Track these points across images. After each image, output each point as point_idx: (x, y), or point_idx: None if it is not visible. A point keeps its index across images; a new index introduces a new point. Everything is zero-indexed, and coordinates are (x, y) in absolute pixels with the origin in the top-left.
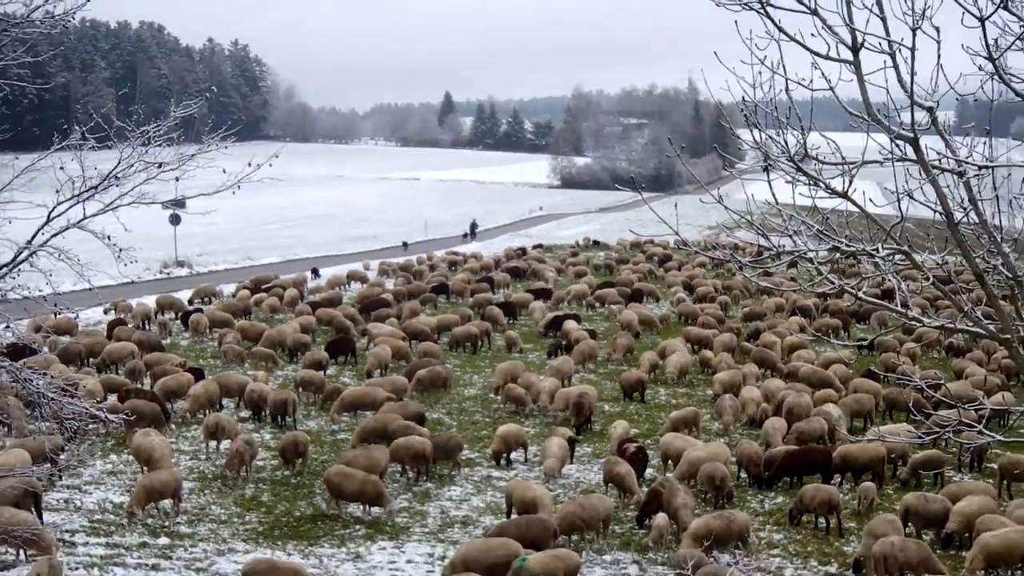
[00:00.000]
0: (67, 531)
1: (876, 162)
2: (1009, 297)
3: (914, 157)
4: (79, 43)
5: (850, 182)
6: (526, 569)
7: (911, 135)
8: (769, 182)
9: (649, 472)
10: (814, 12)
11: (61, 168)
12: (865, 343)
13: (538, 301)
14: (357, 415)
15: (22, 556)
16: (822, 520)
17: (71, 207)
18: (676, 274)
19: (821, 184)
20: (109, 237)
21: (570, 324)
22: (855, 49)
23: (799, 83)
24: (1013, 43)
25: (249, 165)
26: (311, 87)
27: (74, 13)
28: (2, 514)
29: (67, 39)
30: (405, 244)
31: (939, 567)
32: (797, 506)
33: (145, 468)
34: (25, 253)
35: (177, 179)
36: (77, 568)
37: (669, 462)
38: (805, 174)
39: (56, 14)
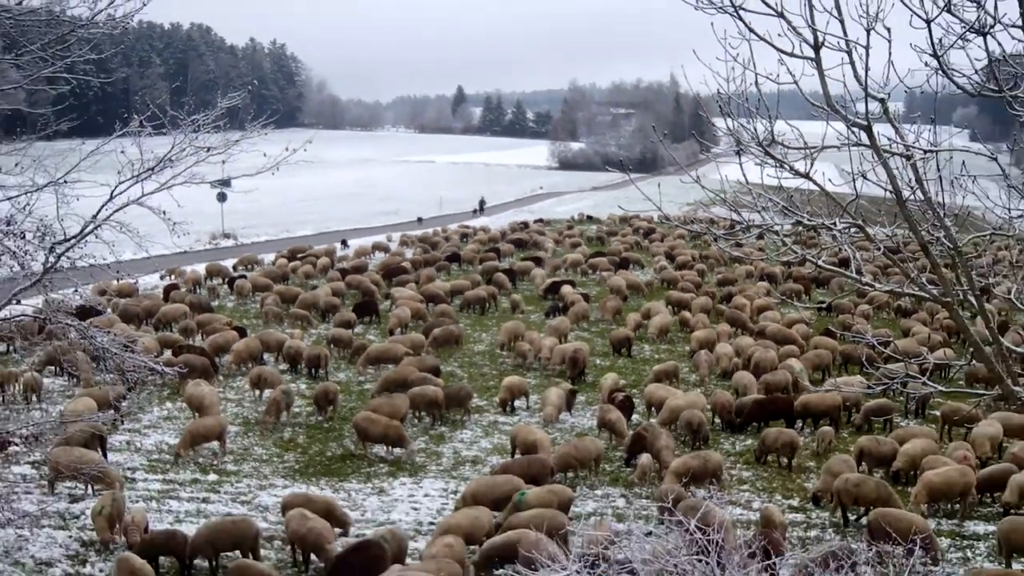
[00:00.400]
0: (128, 469)
1: (834, 147)
2: (950, 265)
3: (868, 142)
4: (137, 42)
5: (811, 164)
6: (524, 501)
7: (865, 123)
8: (740, 164)
9: (635, 418)
10: (780, 15)
11: (122, 152)
12: (824, 305)
13: (538, 268)
14: (380, 368)
15: (90, 490)
16: (784, 459)
17: (131, 186)
18: (659, 245)
19: (786, 166)
20: (164, 212)
21: (566, 288)
22: (816, 47)
23: (767, 77)
24: (955, 42)
25: (286, 149)
26: (340, 81)
27: (132, 16)
28: (73, 453)
29: (126, 39)
30: (420, 219)
31: (892, 500)
32: (761, 447)
33: (196, 414)
34: (91, 226)
35: (223, 161)
36: (137, 501)
37: (652, 409)
38: (772, 157)
39: (117, 17)
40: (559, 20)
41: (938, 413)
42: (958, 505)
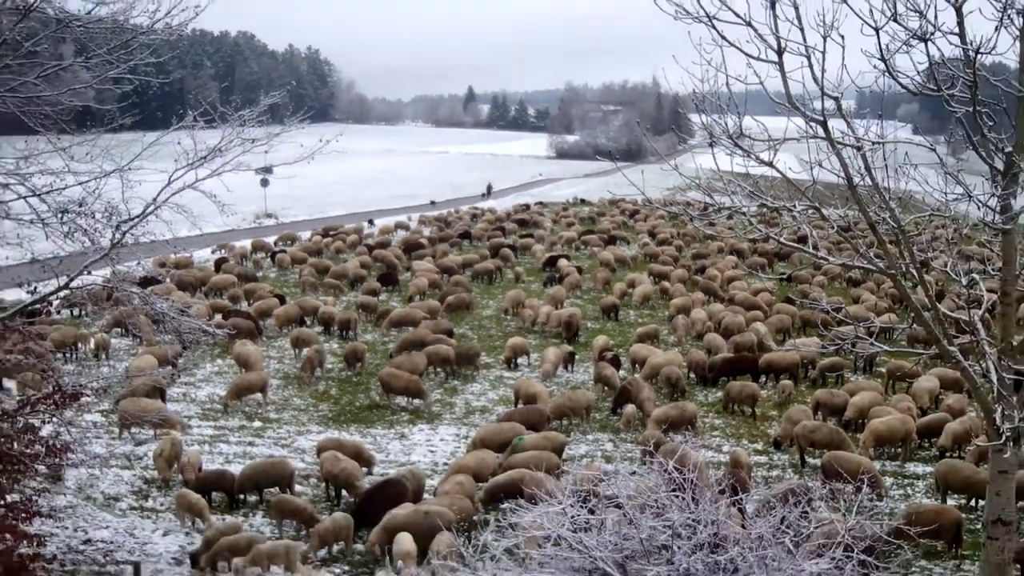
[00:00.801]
0: (184, 417)
1: (794, 139)
2: (894, 242)
3: (824, 135)
4: (190, 47)
5: (774, 154)
6: (522, 445)
7: (821, 119)
8: (713, 154)
9: (621, 373)
10: (748, 24)
11: (178, 143)
12: (785, 276)
13: (538, 244)
14: (401, 330)
15: (152, 435)
16: (747, 408)
17: (186, 173)
18: (642, 224)
19: (752, 156)
20: (215, 195)
21: (562, 262)
22: (779, 52)
23: (736, 79)
24: (900, 47)
25: (320, 141)
26: (367, 81)
27: (186, 24)
28: (139, 403)
29: (181, 44)
30: (433, 202)
31: (844, 444)
32: (726, 398)
33: (242, 370)
34: (152, 208)
35: (266, 151)
36: (192, 444)
37: (636, 366)
38: (740, 148)
39: (173, 25)
40: (556, 28)
41: (883, 370)
42: (900, 449)
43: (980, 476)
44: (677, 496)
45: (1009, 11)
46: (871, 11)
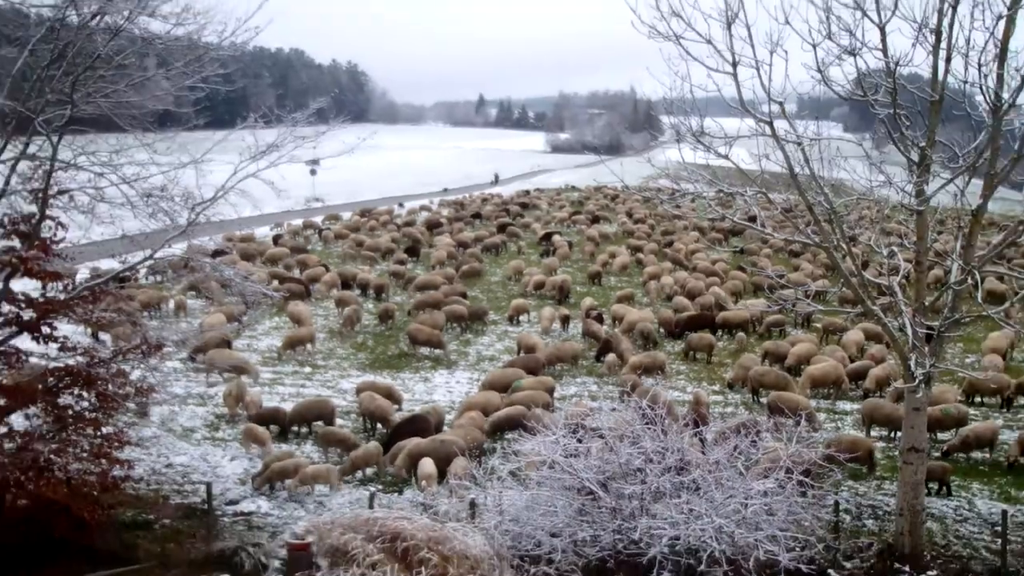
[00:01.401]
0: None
1: (746, 136)
2: (828, 221)
3: (770, 133)
4: (251, 61)
5: (729, 148)
6: (520, 386)
7: (768, 120)
8: (679, 149)
9: (604, 328)
10: (709, 42)
11: (242, 140)
12: (738, 249)
13: (536, 223)
14: (425, 293)
15: (222, 378)
16: (704, 356)
17: (248, 164)
18: (621, 206)
19: (712, 150)
20: (272, 183)
21: (556, 237)
22: (734, 65)
23: (699, 87)
24: (833, 61)
25: (358, 139)
26: (396, 89)
27: (248, 42)
28: (224, 353)
29: (244, 58)
30: (445, 189)
31: (787, 386)
32: (687, 347)
33: (295, 325)
34: (221, 193)
35: (314, 147)
36: (254, 386)
37: (616, 322)
38: (702, 144)
39: (237, 43)
40: (551, 46)
41: (818, 325)
42: (832, 390)
43: (898, 412)
44: (649, 428)
45: (923, 31)
46: (809, 31)
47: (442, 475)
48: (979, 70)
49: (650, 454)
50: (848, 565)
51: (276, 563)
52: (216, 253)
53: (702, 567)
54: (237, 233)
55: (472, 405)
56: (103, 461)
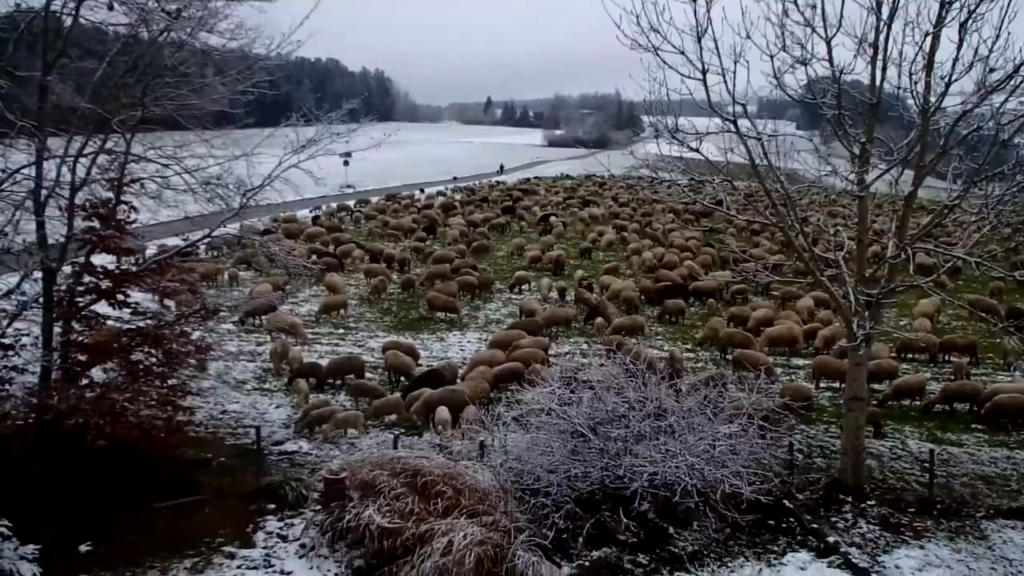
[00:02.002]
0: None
1: (714, 133)
2: (784, 204)
3: (734, 130)
4: (294, 69)
5: (700, 143)
6: (521, 343)
7: (733, 119)
8: (657, 143)
9: (593, 296)
10: (682, 53)
11: (286, 136)
12: (708, 228)
13: (535, 206)
14: (440, 265)
15: (269, 337)
16: (678, 318)
17: (291, 156)
18: (608, 192)
19: (685, 144)
20: (311, 172)
21: (552, 218)
22: (704, 72)
23: (673, 91)
24: (788, 69)
25: (384, 134)
26: (417, 91)
27: (291, 54)
28: (279, 316)
29: (288, 67)
30: (455, 177)
31: (750, 344)
32: (663, 312)
33: (330, 293)
34: (268, 181)
35: (347, 141)
36: (295, 346)
37: (603, 290)
38: (676, 139)
39: (282, 54)
40: (548, 55)
41: (776, 293)
42: (788, 348)
43: (843, 367)
44: (632, 380)
45: (863, 45)
46: (767, 44)
47: (455, 421)
48: (910, 78)
49: (633, 403)
50: (800, 497)
51: (315, 495)
52: (264, 232)
53: (677, 499)
54: (282, 215)
55: (480, 360)
56: (169, 408)
